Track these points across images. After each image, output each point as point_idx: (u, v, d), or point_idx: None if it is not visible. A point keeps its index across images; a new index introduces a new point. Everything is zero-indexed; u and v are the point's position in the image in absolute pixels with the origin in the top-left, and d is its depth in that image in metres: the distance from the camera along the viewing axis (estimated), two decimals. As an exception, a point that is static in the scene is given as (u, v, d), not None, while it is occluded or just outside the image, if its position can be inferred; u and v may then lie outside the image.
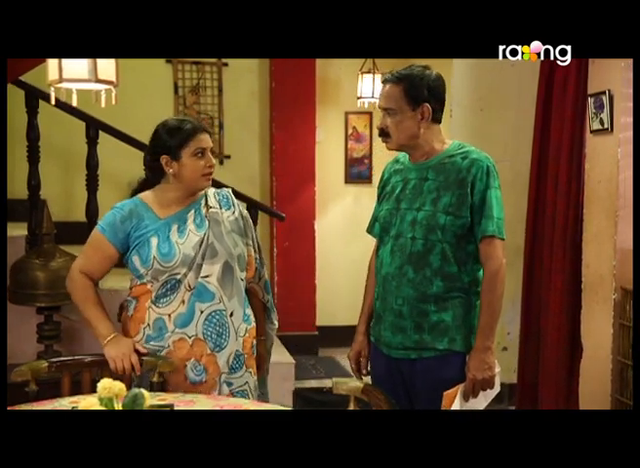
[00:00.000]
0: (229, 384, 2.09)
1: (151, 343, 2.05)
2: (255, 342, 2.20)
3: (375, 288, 2.18)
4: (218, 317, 2.05)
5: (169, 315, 2.04)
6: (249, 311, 2.19)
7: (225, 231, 2.10)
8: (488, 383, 1.97)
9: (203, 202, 2.14)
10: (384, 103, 2.04)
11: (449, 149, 2.06)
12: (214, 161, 2.10)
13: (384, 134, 2.05)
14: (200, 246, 2.05)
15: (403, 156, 2.15)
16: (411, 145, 2.05)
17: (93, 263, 2.10)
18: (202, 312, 2.04)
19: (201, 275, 2.04)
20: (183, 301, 2.04)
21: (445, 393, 1.95)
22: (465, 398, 1.97)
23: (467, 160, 2.01)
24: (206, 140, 2.08)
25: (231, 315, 2.08)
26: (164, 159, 2.06)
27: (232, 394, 2.08)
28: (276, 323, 2.36)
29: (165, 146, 2.05)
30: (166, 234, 2.05)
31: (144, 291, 2.07)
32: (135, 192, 2.17)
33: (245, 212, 2.24)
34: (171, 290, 2.05)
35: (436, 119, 2.04)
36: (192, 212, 2.11)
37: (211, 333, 2.05)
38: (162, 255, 2.02)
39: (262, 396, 2.28)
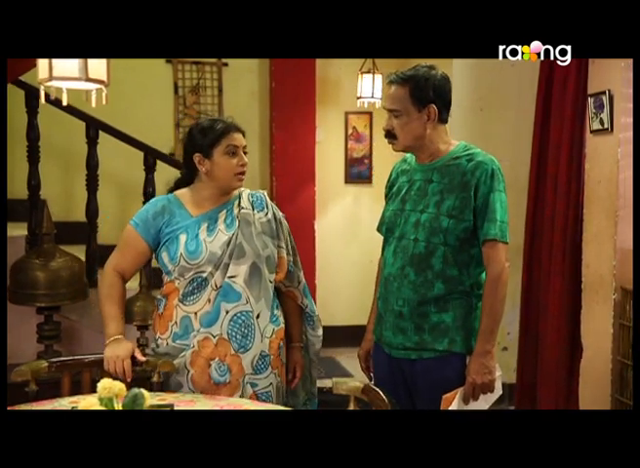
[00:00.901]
0: (254, 385, 2.07)
1: (177, 342, 2.06)
2: (281, 344, 2.15)
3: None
4: (243, 318, 2.04)
5: (195, 313, 2.05)
6: (278, 312, 2.16)
7: (255, 232, 2.09)
8: (487, 387, 1.97)
9: (236, 202, 2.13)
10: (390, 105, 2.03)
11: (454, 151, 2.05)
12: (246, 160, 2.08)
13: (391, 135, 2.04)
14: (228, 245, 2.05)
15: (410, 156, 2.15)
16: (417, 146, 2.05)
17: (126, 259, 2.12)
18: (227, 312, 2.03)
19: (228, 275, 2.03)
20: (209, 300, 2.04)
21: (444, 396, 1.95)
22: (465, 401, 1.96)
23: (472, 163, 2.00)
24: (238, 139, 2.08)
25: (258, 317, 2.06)
26: (197, 157, 2.07)
27: (256, 395, 2.06)
28: (320, 331, 2.30)
29: (197, 145, 2.07)
30: (195, 232, 2.06)
31: (172, 288, 2.08)
32: (171, 190, 2.19)
33: (280, 214, 2.21)
34: (197, 288, 2.05)
35: (442, 119, 2.03)
36: (224, 211, 2.11)
37: (235, 334, 2.04)
38: (189, 253, 2.03)
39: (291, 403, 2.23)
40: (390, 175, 2.23)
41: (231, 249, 2.05)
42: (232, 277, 2.04)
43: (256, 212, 2.13)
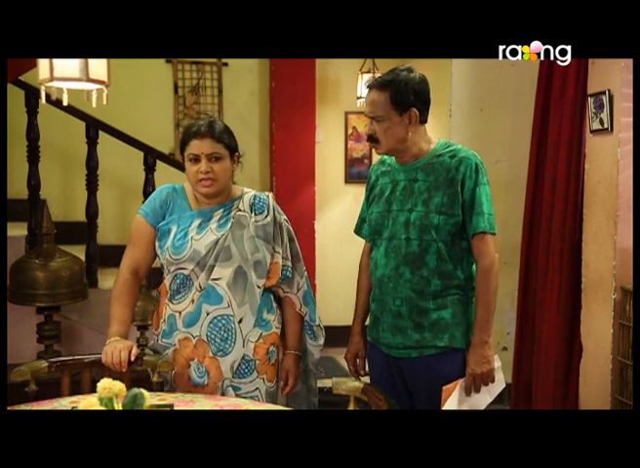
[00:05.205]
0: (236, 388, 2.05)
1: (164, 340, 2.09)
2: (271, 349, 2.12)
3: (367, 289, 2.21)
4: (224, 321, 2.03)
5: (180, 312, 2.06)
6: (270, 317, 2.12)
7: (247, 235, 2.07)
8: (487, 376, 1.99)
9: (236, 203, 2.11)
10: (371, 111, 2.03)
11: (436, 149, 2.07)
12: (205, 167, 1.99)
13: (373, 139, 2.05)
14: (215, 246, 2.03)
15: (389, 157, 2.16)
16: (400, 149, 2.06)
17: (140, 250, 2.10)
18: (208, 314, 2.03)
19: (212, 277, 2.03)
20: (193, 301, 2.04)
21: (444, 387, 1.96)
22: (467, 393, 1.98)
23: (456, 158, 2.02)
24: (199, 146, 2.00)
25: (240, 321, 2.04)
26: (182, 158, 2.09)
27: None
28: (321, 341, 2.25)
29: (180, 148, 2.10)
30: (186, 227, 2.06)
31: (164, 285, 2.11)
32: None
33: (282, 218, 2.16)
34: (182, 287, 2.05)
35: (422, 120, 2.05)
36: (221, 211, 2.09)
37: (215, 337, 2.03)
38: (174, 248, 2.04)
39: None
40: (369, 177, 2.23)
41: (217, 251, 2.03)
42: (216, 279, 2.03)
43: (254, 214, 2.10)
